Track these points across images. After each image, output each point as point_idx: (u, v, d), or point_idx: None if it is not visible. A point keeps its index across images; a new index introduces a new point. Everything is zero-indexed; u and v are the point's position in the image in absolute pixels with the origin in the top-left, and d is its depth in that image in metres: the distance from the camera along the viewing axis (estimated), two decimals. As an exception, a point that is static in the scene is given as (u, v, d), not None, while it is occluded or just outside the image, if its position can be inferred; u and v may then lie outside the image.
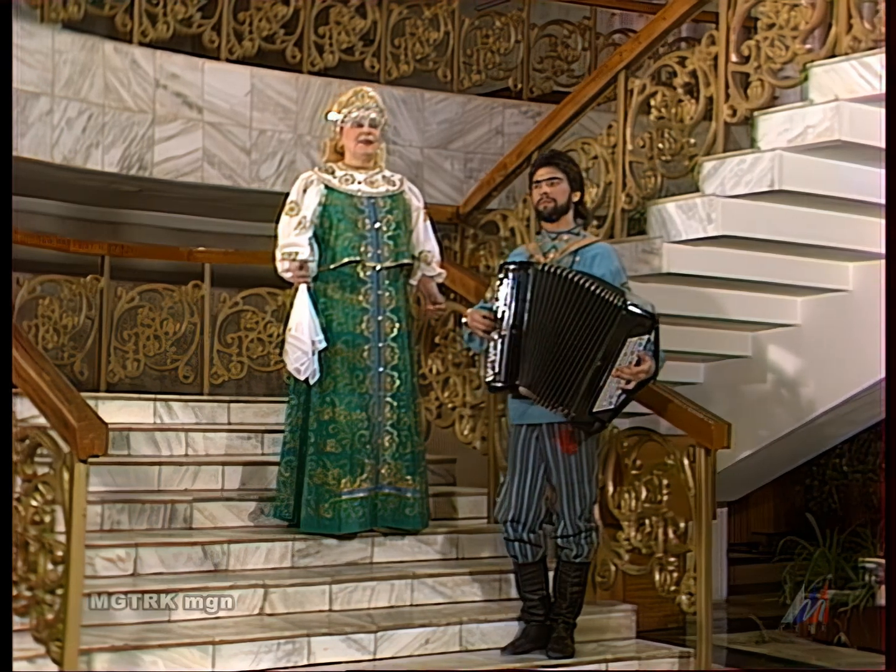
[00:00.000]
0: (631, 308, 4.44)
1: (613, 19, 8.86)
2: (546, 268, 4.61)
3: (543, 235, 4.83)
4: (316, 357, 4.99)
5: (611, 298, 4.47)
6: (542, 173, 4.77)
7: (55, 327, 6.49)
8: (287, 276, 5.08)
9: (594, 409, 4.52)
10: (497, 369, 4.63)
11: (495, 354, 4.64)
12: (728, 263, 5.58)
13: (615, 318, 4.45)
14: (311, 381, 5.00)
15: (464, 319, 4.84)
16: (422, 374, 5.66)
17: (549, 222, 4.78)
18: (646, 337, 4.48)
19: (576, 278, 4.54)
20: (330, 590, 4.75)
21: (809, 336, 5.98)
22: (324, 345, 5.00)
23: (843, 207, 5.40)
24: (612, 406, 4.53)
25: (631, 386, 4.50)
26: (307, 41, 7.41)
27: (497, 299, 4.65)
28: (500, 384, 4.65)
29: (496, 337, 4.63)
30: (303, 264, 5.01)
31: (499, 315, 4.63)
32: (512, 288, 4.62)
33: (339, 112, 5.14)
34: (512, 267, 4.66)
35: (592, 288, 4.50)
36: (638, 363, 4.49)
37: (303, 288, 5.03)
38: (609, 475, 4.96)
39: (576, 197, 4.77)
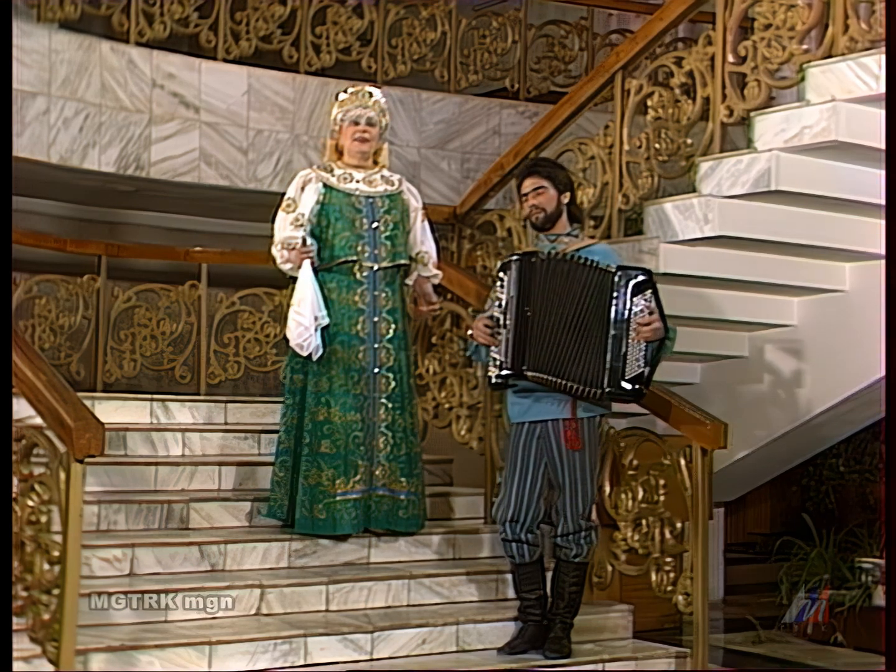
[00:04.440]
0: (623, 266, 4.53)
1: (610, 20, 8.86)
2: (549, 254, 4.63)
3: (542, 239, 4.82)
4: (318, 333, 4.96)
5: (605, 267, 4.53)
6: (527, 185, 4.77)
7: (51, 327, 6.48)
8: (287, 266, 5.06)
9: (627, 377, 4.51)
10: (504, 357, 4.60)
11: (500, 347, 4.62)
12: (725, 264, 5.59)
13: (613, 281, 4.50)
14: (314, 357, 4.96)
15: (469, 332, 4.84)
16: (418, 374, 5.65)
17: (544, 231, 4.78)
18: (648, 291, 4.51)
19: (574, 258, 4.59)
20: (327, 590, 4.75)
21: (806, 336, 5.98)
22: (327, 321, 4.97)
23: (839, 208, 5.40)
24: (642, 369, 4.52)
25: (656, 336, 4.50)
26: (304, 41, 7.41)
27: (499, 297, 4.65)
28: (506, 371, 4.59)
29: (501, 328, 4.62)
30: (304, 242, 4.99)
31: (503, 305, 4.62)
32: (515, 278, 4.62)
33: (338, 110, 5.15)
34: (515, 258, 4.67)
35: (589, 262, 4.56)
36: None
37: (306, 264, 4.98)
38: (606, 475, 4.96)
39: (566, 199, 4.76)
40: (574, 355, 4.54)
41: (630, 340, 4.50)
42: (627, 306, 4.50)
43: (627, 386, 4.51)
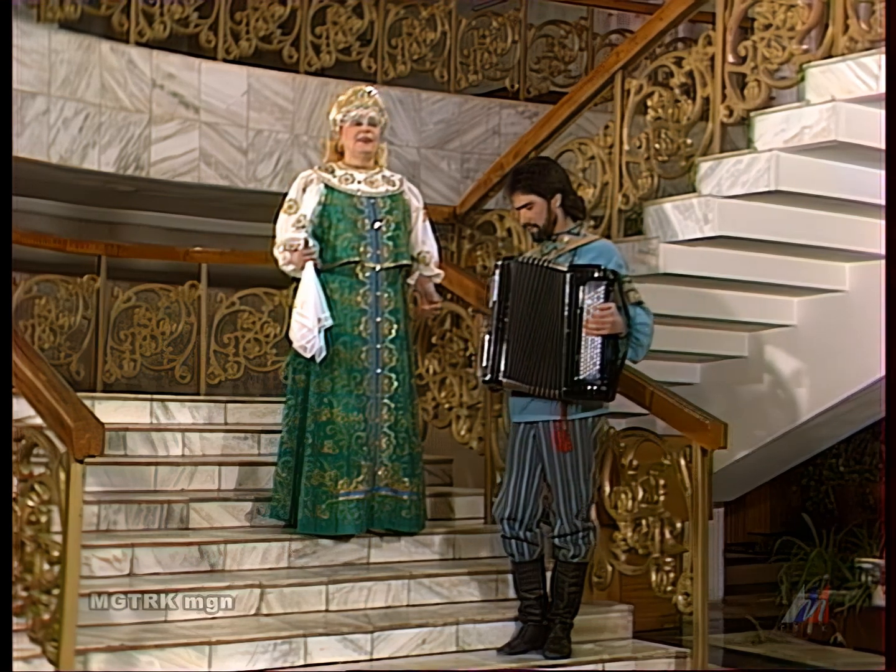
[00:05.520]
0: (576, 266, 4.54)
1: (610, 20, 8.86)
2: (525, 260, 4.64)
3: (544, 238, 4.82)
4: (322, 335, 4.97)
5: (557, 268, 4.54)
6: (514, 202, 4.75)
7: (51, 327, 6.48)
8: (289, 268, 5.06)
9: (581, 376, 4.51)
10: (484, 364, 4.68)
11: (482, 350, 4.69)
12: (724, 264, 5.59)
13: (564, 281, 4.52)
14: (318, 359, 4.97)
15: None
16: (418, 374, 5.65)
17: (542, 241, 4.78)
18: (601, 288, 4.51)
19: (542, 263, 4.59)
20: (326, 590, 4.75)
21: (806, 336, 5.98)
22: (330, 322, 4.97)
23: (839, 208, 5.40)
24: (598, 366, 4.51)
25: (604, 331, 4.49)
26: (304, 41, 7.41)
27: (489, 298, 4.70)
28: (486, 378, 4.69)
29: (487, 333, 4.67)
30: (306, 243, 4.99)
31: (489, 310, 4.68)
32: (498, 284, 4.68)
33: (338, 111, 5.14)
34: (498, 263, 4.71)
35: (545, 265, 4.58)
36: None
37: (309, 266, 4.99)
38: (606, 475, 4.96)
39: (556, 202, 4.72)
40: (537, 359, 4.57)
41: (583, 338, 4.51)
42: (578, 304, 4.51)
43: (583, 385, 4.52)
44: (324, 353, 4.97)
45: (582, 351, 4.51)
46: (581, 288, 4.51)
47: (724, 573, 7.46)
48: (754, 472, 6.92)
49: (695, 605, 4.72)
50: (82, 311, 6.51)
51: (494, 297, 4.68)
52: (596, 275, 4.52)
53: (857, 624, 6.16)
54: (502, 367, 4.63)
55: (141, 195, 7.42)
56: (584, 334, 4.51)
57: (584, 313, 4.51)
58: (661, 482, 4.84)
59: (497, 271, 4.69)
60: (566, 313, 4.52)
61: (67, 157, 6.63)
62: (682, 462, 4.75)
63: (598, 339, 4.51)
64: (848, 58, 4.96)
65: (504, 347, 4.63)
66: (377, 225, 5.09)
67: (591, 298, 4.51)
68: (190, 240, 7.49)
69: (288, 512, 5.04)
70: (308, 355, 4.97)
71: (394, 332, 5.09)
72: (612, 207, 5.65)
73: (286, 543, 4.94)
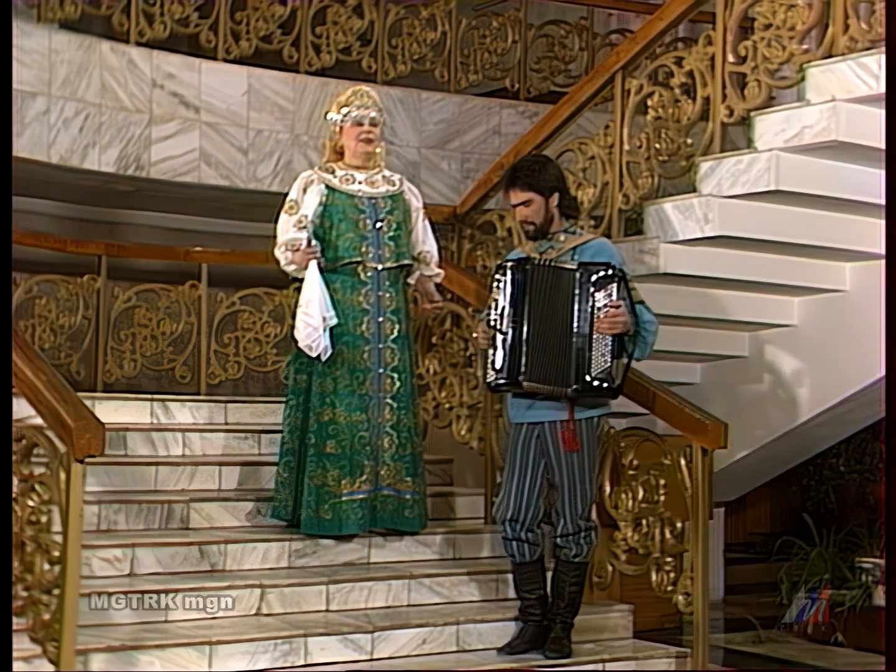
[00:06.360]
0: (585, 263, 4.54)
1: (610, 19, 8.87)
2: (542, 262, 4.63)
3: (539, 236, 4.81)
4: (327, 333, 4.97)
5: (566, 266, 4.55)
6: (512, 199, 4.73)
7: (52, 327, 6.48)
8: (291, 268, 5.06)
9: (592, 374, 4.51)
10: (499, 366, 4.63)
11: (495, 352, 4.64)
12: (725, 264, 5.59)
13: (573, 279, 4.52)
14: (323, 358, 4.97)
15: (474, 335, 4.85)
16: (419, 374, 5.65)
17: (538, 239, 4.77)
18: (612, 286, 4.51)
19: (552, 263, 4.60)
20: (327, 590, 4.75)
21: (806, 336, 5.98)
22: (335, 321, 4.97)
23: (839, 208, 5.40)
24: (609, 364, 4.52)
25: (616, 330, 4.49)
26: (304, 41, 7.41)
27: (496, 299, 4.65)
28: (502, 380, 4.63)
29: (497, 335, 4.63)
30: (308, 243, 4.99)
31: (499, 313, 4.63)
32: (511, 285, 4.63)
33: (338, 112, 5.14)
34: (510, 264, 4.67)
35: (554, 265, 4.58)
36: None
37: (313, 265, 4.99)
38: (606, 475, 4.95)
39: (554, 201, 4.71)
40: (552, 359, 4.55)
41: (594, 336, 4.51)
42: (589, 302, 4.51)
43: (594, 382, 4.52)
44: (329, 352, 4.97)
45: (593, 349, 4.51)
46: (591, 286, 4.51)
47: (724, 573, 7.47)
48: (754, 472, 6.93)
49: (695, 604, 4.72)
50: (82, 311, 6.52)
51: (506, 300, 4.63)
52: (605, 273, 4.53)
53: (858, 624, 6.17)
54: (522, 370, 4.60)
55: (141, 195, 7.42)
56: (594, 332, 4.51)
57: (596, 311, 4.51)
58: (662, 482, 4.84)
59: (508, 273, 4.64)
60: (577, 311, 4.52)
61: (67, 157, 6.64)
62: (683, 462, 4.75)
63: (609, 338, 4.51)
64: (848, 58, 4.96)
65: (522, 350, 4.60)
66: (378, 225, 5.09)
67: (602, 296, 4.51)
68: (190, 240, 7.48)
69: (290, 512, 5.04)
70: (314, 354, 4.97)
71: (395, 331, 5.09)
72: (613, 207, 5.65)
73: (286, 543, 4.94)
